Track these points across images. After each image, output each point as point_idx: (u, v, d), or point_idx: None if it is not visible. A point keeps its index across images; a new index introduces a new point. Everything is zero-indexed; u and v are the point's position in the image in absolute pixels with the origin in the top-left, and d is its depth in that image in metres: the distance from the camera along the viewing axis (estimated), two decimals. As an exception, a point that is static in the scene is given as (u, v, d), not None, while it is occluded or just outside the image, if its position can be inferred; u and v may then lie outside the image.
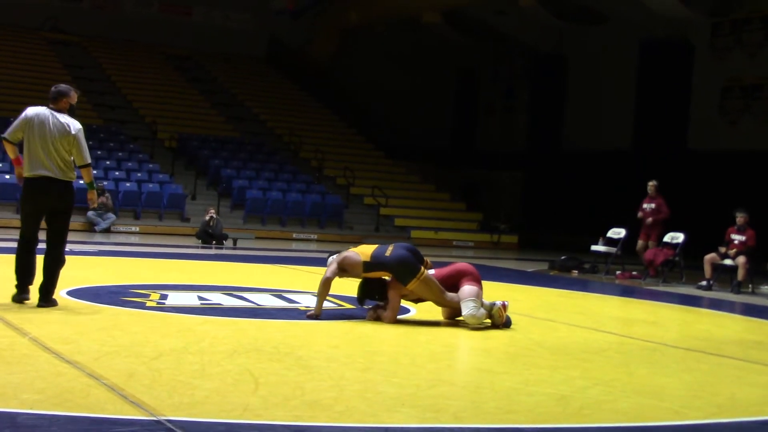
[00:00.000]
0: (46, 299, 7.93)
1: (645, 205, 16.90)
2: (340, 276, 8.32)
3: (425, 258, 8.34)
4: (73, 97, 8.16)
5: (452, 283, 8.29)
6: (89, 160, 8.06)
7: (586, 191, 29.84)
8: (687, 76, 28.28)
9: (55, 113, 8.01)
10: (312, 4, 33.69)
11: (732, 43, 27.74)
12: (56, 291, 8.13)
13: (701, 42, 28.27)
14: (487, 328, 8.19)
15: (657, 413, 5.36)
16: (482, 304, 8.19)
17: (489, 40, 33.66)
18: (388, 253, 8.15)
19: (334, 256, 8.40)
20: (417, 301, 8.55)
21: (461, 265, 8.55)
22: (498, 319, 8.24)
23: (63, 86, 8.23)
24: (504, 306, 8.30)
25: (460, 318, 8.31)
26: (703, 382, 6.47)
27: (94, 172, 22.56)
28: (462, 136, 36.50)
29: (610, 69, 30.33)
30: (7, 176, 21.35)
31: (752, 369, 7.22)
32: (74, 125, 8.00)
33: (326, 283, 8.25)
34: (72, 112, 8.14)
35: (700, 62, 28.24)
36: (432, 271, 8.31)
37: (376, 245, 8.38)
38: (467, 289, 8.17)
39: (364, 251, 8.27)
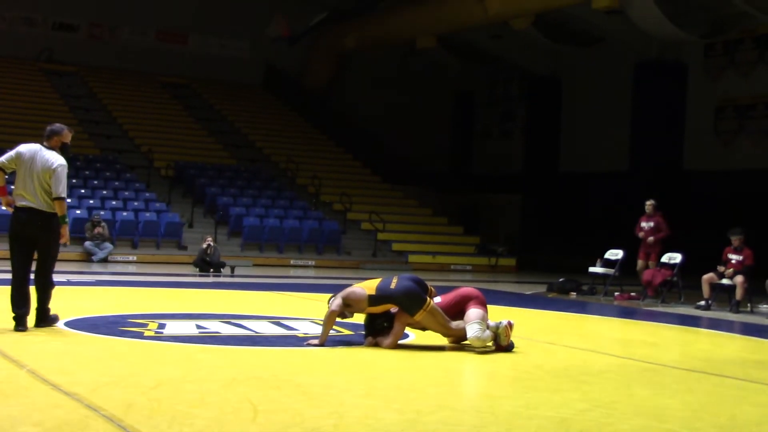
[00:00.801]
0: (42, 319, 8.41)
1: (643, 224, 16.88)
2: (346, 312, 8.26)
3: (429, 286, 8.36)
4: (66, 135, 8.70)
5: (458, 310, 8.31)
6: (62, 194, 8.43)
7: (583, 213, 29.88)
8: (681, 97, 28.42)
9: (44, 150, 8.53)
10: (308, 31, 33.84)
11: (725, 63, 27.90)
12: (54, 324, 8.47)
13: (695, 62, 28.43)
14: (489, 351, 8.17)
15: (658, 435, 5.34)
16: (488, 326, 8.20)
17: (485, 63, 33.81)
18: (393, 285, 8.15)
19: (339, 293, 8.36)
20: (422, 329, 8.54)
21: (466, 289, 8.57)
22: (504, 339, 8.23)
23: (57, 125, 8.77)
24: (510, 325, 8.30)
25: (466, 342, 8.31)
26: (703, 402, 6.45)
27: (91, 201, 22.78)
28: (459, 159, 36.57)
29: (605, 91, 30.47)
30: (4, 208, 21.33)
31: (753, 388, 7.20)
32: (57, 161, 8.48)
33: (331, 317, 8.22)
34: (65, 150, 8.64)
35: (693, 82, 28.38)
36: (438, 299, 8.32)
37: (380, 279, 8.38)
38: (473, 312, 8.21)
39: (368, 285, 8.27)
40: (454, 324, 8.25)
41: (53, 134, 8.64)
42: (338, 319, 8.38)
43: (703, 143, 27.85)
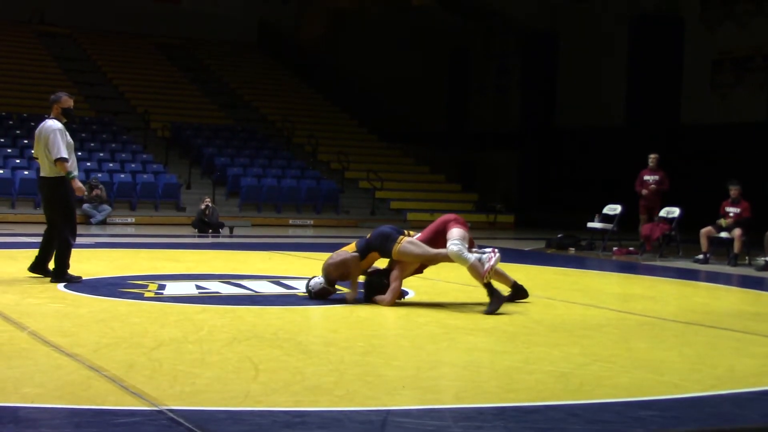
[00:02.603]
0: (56, 275, 9.17)
1: (647, 177, 16.75)
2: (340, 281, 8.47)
3: (407, 231, 8.52)
4: (65, 101, 9.34)
5: (441, 234, 8.30)
6: (58, 155, 9.16)
7: (581, 169, 29.84)
8: (678, 51, 28.26)
9: (47, 120, 9.29)
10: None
11: (723, 15, 27.68)
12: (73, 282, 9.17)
13: (692, 15, 28.22)
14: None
15: (657, 387, 5.38)
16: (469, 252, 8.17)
17: (480, 19, 33.55)
18: (368, 236, 8.45)
19: (329, 266, 8.41)
20: (418, 271, 8.54)
21: (444, 216, 8.57)
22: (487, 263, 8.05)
23: (55, 95, 9.50)
24: (494, 253, 8.09)
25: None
26: (702, 354, 6.49)
27: (88, 164, 22.73)
28: (456, 116, 36.43)
29: (601, 45, 30.28)
30: (1, 171, 21.32)
31: (750, 340, 7.24)
32: (52, 126, 9.18)
33: (356, 269, 8.40)
34: (68, 115, 9.36)
35: (690, 36, 28.20)
36: (418, 234, 8.40)
37: (355, 241, 8.59)
38: (455, 231, 8.21)
39: (348, 248, 8.47)
40: (438, 251, 8.22)
41: (52, 103, 9.33)
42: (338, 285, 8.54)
43: (700, 97, 27.74)
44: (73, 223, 9.39)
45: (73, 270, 9.31)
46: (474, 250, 8.24)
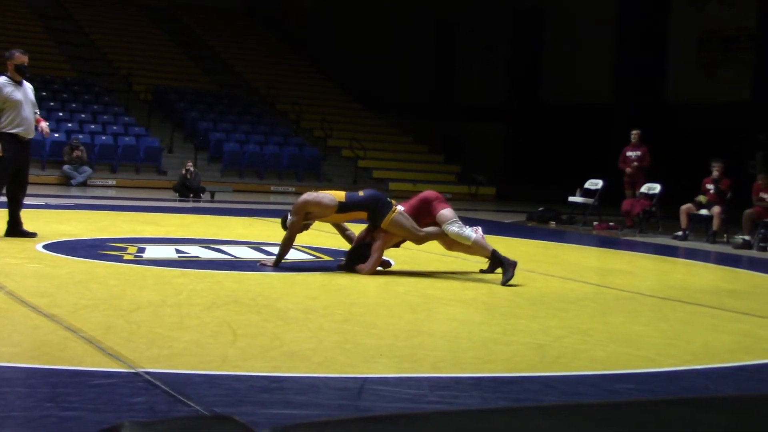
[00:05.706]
0: (13, 232, 9.22)
1: (629, 153, 16.79)
2: (306, 221, 8.27)
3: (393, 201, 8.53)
4: (18, 58, 9.17)
5: (422, 214, 8.33)
6: None
7: (564, 143, 29.87)
8: (665, 28, 28.25)
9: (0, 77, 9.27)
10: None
11: (710, -7, 27.66)
12: (35, 243, 8.91)
13: (679, -7, 28.21)
14: (466, 279, 8.21)
15: (632, 361, 5.42)
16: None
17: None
18: (361, 193, 8.36)
19: (300, 201, 8.31)
20: (398, 245, 8.56)
21: (424, 193, 8.63)
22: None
23: (9, 51, 9.36)
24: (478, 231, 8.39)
25: (455, 250, 8.44)
26: (678, 330, 6.54)
27: (69, 125, 22.58)
28: (441, 88, 36.31)
29: (588, 21, 30.21)
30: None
31: (726, 317, 7.30)
32: None
33: (295, 227, 8.22)
34: (22, 71, 9.18)
35: (677, 14, 28.18)
36: (401, 207, 8.37)
37: (344, 191, 8.48)
38: (447, 212, 8.31)
39: (337, 194, 8.33)
40: (426, 230, 8.28)
41: (6, 60, 9.25)
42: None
43: (686, 74, 27.78)
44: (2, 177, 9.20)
45: (52, 231, 9.26)
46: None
